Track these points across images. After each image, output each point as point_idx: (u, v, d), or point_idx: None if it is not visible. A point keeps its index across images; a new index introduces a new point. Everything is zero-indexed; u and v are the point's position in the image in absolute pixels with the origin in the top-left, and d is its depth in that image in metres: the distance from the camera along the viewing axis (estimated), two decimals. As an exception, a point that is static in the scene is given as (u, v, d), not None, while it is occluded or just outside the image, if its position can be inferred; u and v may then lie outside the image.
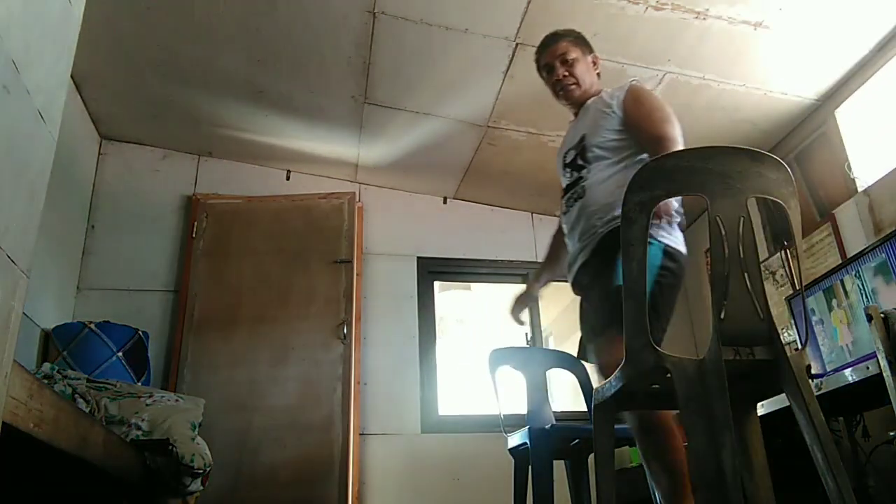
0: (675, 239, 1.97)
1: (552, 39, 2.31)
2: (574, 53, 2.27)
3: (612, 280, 1.86)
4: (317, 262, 3.66)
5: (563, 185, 2.22)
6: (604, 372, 1.88)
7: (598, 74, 2.35)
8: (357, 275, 3.74)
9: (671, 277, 1.92)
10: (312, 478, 3.20)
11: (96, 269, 3.62)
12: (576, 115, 2.30)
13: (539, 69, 2.33)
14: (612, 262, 1.88)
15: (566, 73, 2.24)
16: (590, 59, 2.32)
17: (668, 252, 1.93)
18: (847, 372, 2.17)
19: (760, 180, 1.48)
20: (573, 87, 2.25)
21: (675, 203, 1.89)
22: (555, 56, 2.26)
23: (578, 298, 2.20)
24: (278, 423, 3.29)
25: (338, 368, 3.41)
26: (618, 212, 1.88)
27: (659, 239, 1.93)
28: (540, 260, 4.26)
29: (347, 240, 3.72)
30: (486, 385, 2.71)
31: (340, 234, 3.75)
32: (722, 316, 1.39)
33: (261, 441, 3.24)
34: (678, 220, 2.01)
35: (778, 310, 3.39)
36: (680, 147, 1.90)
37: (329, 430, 3.29)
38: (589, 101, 2.23)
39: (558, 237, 2.43)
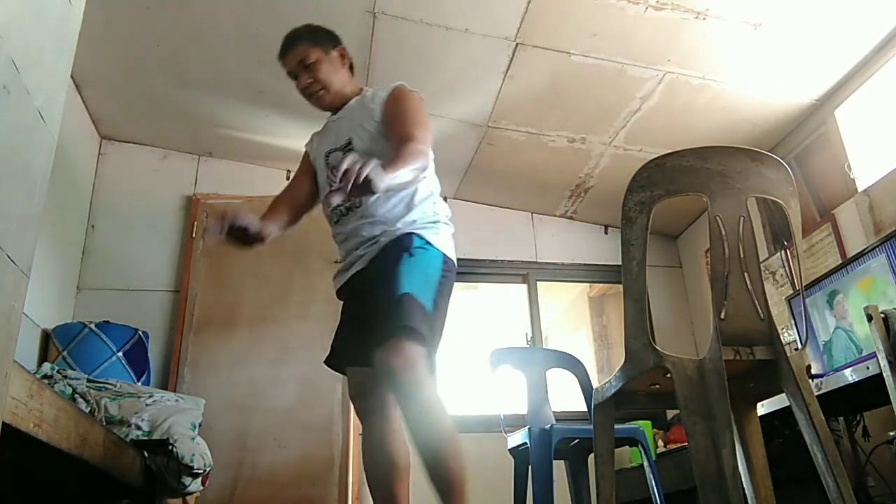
0: (449, 246, 1.98)
1: (289, 43, 2.13)
2: (314, 55, 2.10)
3: (394, 287, 1.78)
4: (317, 262, 3.65)
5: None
6: (377, 380, 1.79)
7: (352, 67, 2.20)
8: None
9: (447, 285, 1.91)
10: (312, 478, 3.20)
11: (96, 269, 3.61)
12: (334, 112, 2.16)
13: (287, 75, 2.16)
14: (393, 269, 1.83)
15: (311, 80, 2.09)
16: (335, 54, 2.14)
17: (446, 260, 1.93)
18: (847, 372, 2.17)
19: (760, 180, 1.48)
20: (321, 92, 2.10)
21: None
22: (294, 63, 2.10)
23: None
24: (278, 423, 3.28)
25: (338, 368, 3.41)
26: (400, 223, 1.93)
27: (437, 246, 1.93)
28: (540, 259, 4.31)
29: (348, 240, 3.72)
30: (488, 384, 2.71)
31: (341, 233, 3.74)
32: (722, 316, 1.39)
33: (261, 441, 3.24)
34: (451, 228, 2.03)
35: (778, 310, 3.39)
36: (424, 152, 1.87)
37: (329, 430, 3.29)
38: (352, 101, 2.12)
39: (280, 201, 2.22)
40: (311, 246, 3.70)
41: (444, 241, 1.96)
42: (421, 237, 1.91)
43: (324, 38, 2.18)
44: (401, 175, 1.77)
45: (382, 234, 1.93)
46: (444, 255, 1.93)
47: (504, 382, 2.75)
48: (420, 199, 1.99)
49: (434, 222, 1.97)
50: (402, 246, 1.89)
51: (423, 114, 2.00)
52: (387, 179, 1.69)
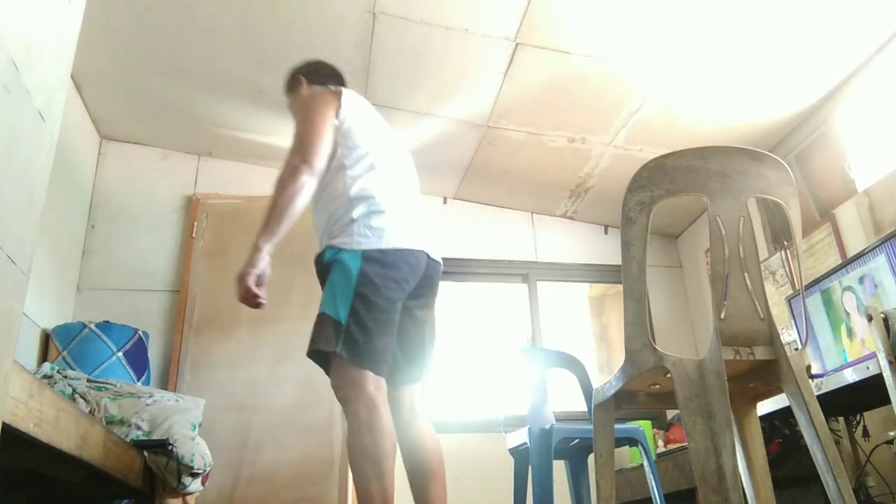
0: (371, 239, 1.91)
1: None
2: (289, 102, 2.35)
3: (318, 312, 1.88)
4: (317, 262, 3.65)
5: None
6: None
7: (320, 80, 2.31)
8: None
9: (380, 281, 1.86)
10: (312, 478, 3.20)
11: (96, 269, 3.61)
12: None
13: None
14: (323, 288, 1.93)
15: None
16: (297, 86, 2.33)
17: (369, 256, 1.88)
18: (847, 372, 2.16)
19: (761, 180, 1.48)
20: None
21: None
22: None
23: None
24: (278, 422, 3.28)
25: (338, 368, 3.40)
26: (325, 238, 1.99)
27: (351, 247, 1.89)
28: (540, 259, 4.31)
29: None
30: (485, 384, 2.71)
31: (341, 234, 3.74)
32: (722, 316, 1.39)
33: (261, 441, 3.24)
34: (378, 216, 1.94)
35: (778, 310, 3.39)
36: (290, 172, 1.90)
37: (329, 430, 3.29)
38: None
39: None
40: (311, 245, 3.69)
41: (363, 236, 1.90)
42: (333, 247, 1.92)
43: (289, 82, 2.38)
44: (272, 223, 1.88)
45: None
46: (364, 251, 1.88)
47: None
48: (335, 205, 1.98)
49: (349, 223, 1.93)
50: (321, 266, 1.97)
51: (305, 116, 2.02)
52: (262, 251, 1.87)
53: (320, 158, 1.93)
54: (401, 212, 2.00)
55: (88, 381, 2.60)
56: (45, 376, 2.47)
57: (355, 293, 1.83)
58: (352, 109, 2.08)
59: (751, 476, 1.52)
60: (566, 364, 2.84)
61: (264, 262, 1.88)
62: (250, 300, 1.86)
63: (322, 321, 1.83)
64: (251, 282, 1.84)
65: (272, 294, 3.53)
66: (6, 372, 1.03)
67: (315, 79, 2.30)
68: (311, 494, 3.17)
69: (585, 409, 2.66)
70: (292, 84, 2.35)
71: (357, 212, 1.94)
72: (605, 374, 4.84)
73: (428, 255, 2.00)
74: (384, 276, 1.87)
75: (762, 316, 1.41)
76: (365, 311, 1.82)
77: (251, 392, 3.33)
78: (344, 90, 2.11)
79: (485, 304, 4.99)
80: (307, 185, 1.90)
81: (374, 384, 1.80)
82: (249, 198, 3.84)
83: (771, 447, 2.55)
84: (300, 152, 1.92)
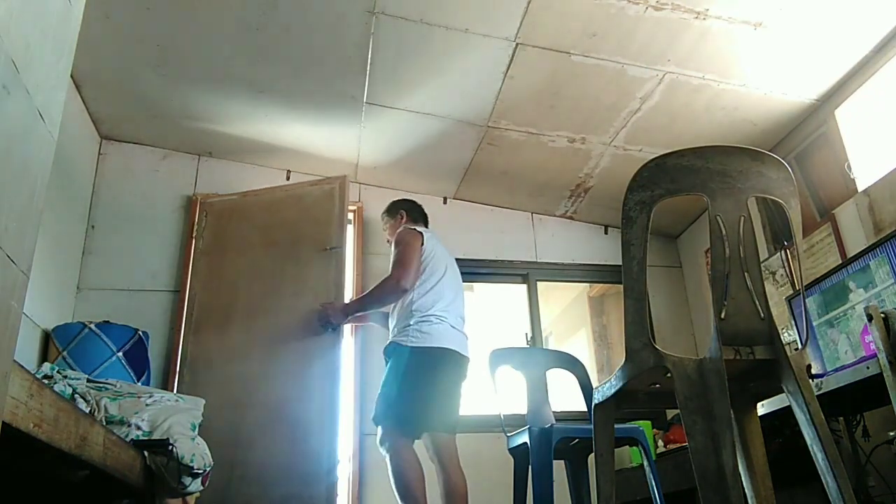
0: (419, 339, 2.75)
1: None
2: (386, 222, 3.33)
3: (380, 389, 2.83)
4: (307, 251, 3.55)
5: None
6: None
7: (414, 219, 3.25)
8: (358, 274, 3.75)
9: (421, 365, 2.72)
10: (303, 474, 3.14)
11: (96, 269, 3.61)
12: None
13: None
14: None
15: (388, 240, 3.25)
16: (402, 222, 3.22)
17: (416, 351, 2.73)
18: (847, 372, 2.16)
19: (761, 179, 1.48)
20: (389, 241, 3.22)
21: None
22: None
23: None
24: (270, 418, 3.21)
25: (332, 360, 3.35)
26: (391, 335, 2.89)
27: (406, 344, 2.76)
28: (540, 259, 4.31)
29: (339, 226, 3.62)
30: (487, 385, 2.72)
31: (332, 220, 3.64)
32: (722, 315, 1.39)
33: (253, 437, 3.17)
34: (427, 323, 2.78)
35: (778, 310, 3.39)
36: (391, 283, 2.85)
37: (320, 424, 3.19)
38: None
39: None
40: (302, 234, 3.64)
41: (415, 337, 2.76)
42: (396, 343, 2.80)
43: (391, 208, 3.32)
44: (364, 303, 3.08)
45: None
46: (412, 348, 2.73)
47: (504, 382, 2.75)
48: (403, 313, 2.85)
49: (406, 326, 2.80)
50: (386, 355, 2.88)
51: (402, 250, 2.90)
52: (347, 312, 3.15)
53: (410, 280, 2.83)
54: (442, 323, 2.80)
55: (88, 381, 2.59)
56: (45, 376, 2.46)
57: (403, 378, 2.69)
58: (427, 247, 2.94)
59: (751, 476, 1.52)
60: (566, 364, 2.84)
61: (339, 320, 3.18)
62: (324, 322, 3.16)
63: (381, 399, 2.77)
64: (330, 314, 3.17)
65: (264, 285, 3.54)
66: (6, 372, 1.03)
67: (412, 216, 3.21)
68: (302, 491, 3.13)
69: (585, 409, 2.66)
70: (393, 212, 3.25)
71: (413, 321, 2.79)
72: (605, 374, 4.84)
73: (458, 352, 2.82)
74: (423, 363, 2.71)
75: (762, 316, 1.41)
76: (408, 389, 2.68)
77: (244, 388, 3.28)
78: (424, 233, 3.00)
79: (485, 304, 4.99)
80: (395, 294, 2.86)
81: (406, 441, 2.68)
82: (245, 193, 3.82)
83: (771, 447, 2.55)
84: (397, 273, 2.84)
